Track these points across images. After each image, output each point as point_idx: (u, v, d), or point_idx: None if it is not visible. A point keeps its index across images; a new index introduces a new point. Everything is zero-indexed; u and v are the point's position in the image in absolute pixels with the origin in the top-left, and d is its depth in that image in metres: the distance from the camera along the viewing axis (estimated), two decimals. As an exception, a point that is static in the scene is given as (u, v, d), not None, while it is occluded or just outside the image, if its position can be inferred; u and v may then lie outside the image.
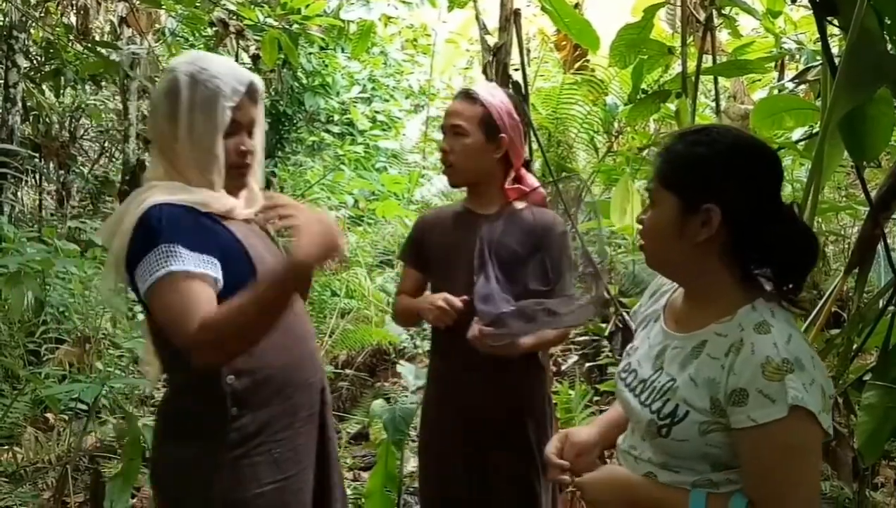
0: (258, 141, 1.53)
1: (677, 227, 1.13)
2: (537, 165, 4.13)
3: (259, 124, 1.53)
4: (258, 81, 1.49)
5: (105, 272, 1.43)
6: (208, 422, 1.39)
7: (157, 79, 5.90)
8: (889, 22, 1.20)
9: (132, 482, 2.29)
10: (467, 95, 1.90)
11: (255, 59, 5.75)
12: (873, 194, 2.07)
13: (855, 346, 2.08)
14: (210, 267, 1.33)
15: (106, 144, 7.47)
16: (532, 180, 1.97)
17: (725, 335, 1.11)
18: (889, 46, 1.28)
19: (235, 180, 1.47)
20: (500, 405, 1.88)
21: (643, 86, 4.02)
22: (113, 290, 1.43)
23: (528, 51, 6.30)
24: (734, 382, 1.06)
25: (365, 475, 3.23)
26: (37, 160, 5.93)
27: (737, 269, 1.14)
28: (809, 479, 1.06)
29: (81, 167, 6.94)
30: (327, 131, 6.89)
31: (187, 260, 1.30)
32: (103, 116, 6.80)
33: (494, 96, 1.89)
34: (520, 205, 1.93)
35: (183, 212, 1.36)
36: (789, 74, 4.11)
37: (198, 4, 4.50)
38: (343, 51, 6.89)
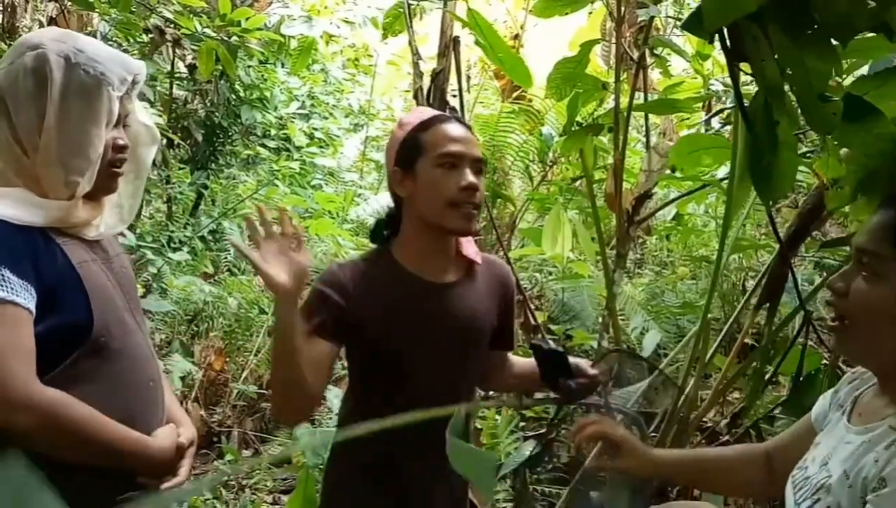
0: (138, 138, 1.37)
1: None
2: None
3: (133, 116, 1.35)
4: (143, 70, 1.32)
5: None
6: None
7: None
8: (790, 72, 1.26)
9: None
10: (460, 120, 1.56)
11: (192, 69, 5.64)
12: (782, 231, 2.18)
13: (767, 375, 2.17)
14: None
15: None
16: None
17: None
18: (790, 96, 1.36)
19: (108, 182, 1.30)
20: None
21: (578, 118, 4.11)
22: None
23: (469, 78, 6.38)
24: (878, 471, 0.90)
25: (285, 498, 3.15)
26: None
27: None
28: None
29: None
30: (263, 146, 6.79)
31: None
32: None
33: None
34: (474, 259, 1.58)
35: (12, 231, 1.16)
36: (716, 114, 4.28)
37: (133, 10, 4.38)
38: (283, 66, 6.82)
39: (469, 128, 1.53)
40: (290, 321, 1.29)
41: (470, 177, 1.44)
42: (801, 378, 2.05)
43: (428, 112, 1.57)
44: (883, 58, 1.54)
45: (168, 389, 1.46)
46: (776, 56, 1.24)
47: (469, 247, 1.58)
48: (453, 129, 1.48)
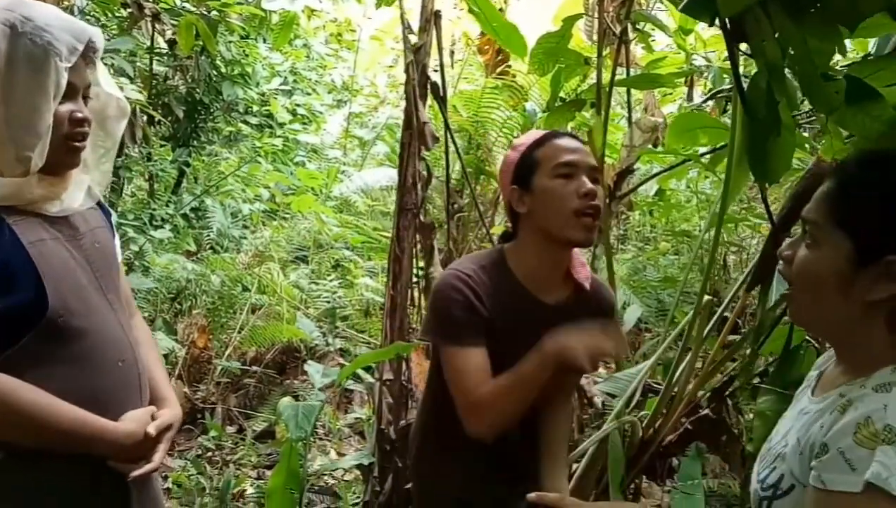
0: (105, 109, 1.32)
1: (844, 280, 0.91)
2: (456, 167, 4.16)
3: (100, 88, 1.31)
4: (98, 37, 1.24)
5: None
6: None
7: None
8: (793, 52, 1.26)
9: None
10: (573, 135, 1.58)
11: (172, 44, 5.56)
12: (774, 209, 2.19)
13: (750, 351, 2.20)
14: None
15: None
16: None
17: (844, 395, 0.92)
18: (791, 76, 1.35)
19: (67, 157, 1.23)
20: None
21: (561, 94, 4.10)
22: None
23: (453, 53, 6.33)
24: (822, 437, 0.89)
25: (269, 473, 3.17)
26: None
27: None
28: None
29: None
30: (245, 122, 6.72)
31: None
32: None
33: None
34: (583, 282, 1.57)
35: None
36: (698, 89, 4.28)
37: (110, -17, 4.32)
38: (265, 41, 6.74)
39: (582, 142, 1.53)
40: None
41: (588, 184, 1.44)
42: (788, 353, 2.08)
43: (540, 132, 1.58)
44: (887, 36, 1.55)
45: (157, 366, 1.43)
46: (777, 36, 1.24)
47: (581, 271, 1.57)
48: (566, 141, 1.50)
